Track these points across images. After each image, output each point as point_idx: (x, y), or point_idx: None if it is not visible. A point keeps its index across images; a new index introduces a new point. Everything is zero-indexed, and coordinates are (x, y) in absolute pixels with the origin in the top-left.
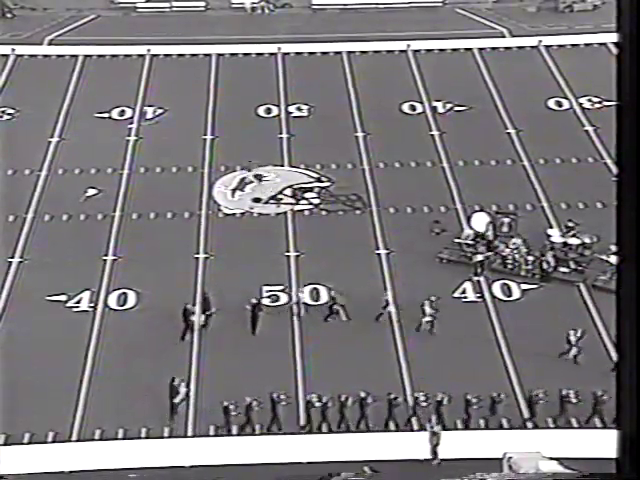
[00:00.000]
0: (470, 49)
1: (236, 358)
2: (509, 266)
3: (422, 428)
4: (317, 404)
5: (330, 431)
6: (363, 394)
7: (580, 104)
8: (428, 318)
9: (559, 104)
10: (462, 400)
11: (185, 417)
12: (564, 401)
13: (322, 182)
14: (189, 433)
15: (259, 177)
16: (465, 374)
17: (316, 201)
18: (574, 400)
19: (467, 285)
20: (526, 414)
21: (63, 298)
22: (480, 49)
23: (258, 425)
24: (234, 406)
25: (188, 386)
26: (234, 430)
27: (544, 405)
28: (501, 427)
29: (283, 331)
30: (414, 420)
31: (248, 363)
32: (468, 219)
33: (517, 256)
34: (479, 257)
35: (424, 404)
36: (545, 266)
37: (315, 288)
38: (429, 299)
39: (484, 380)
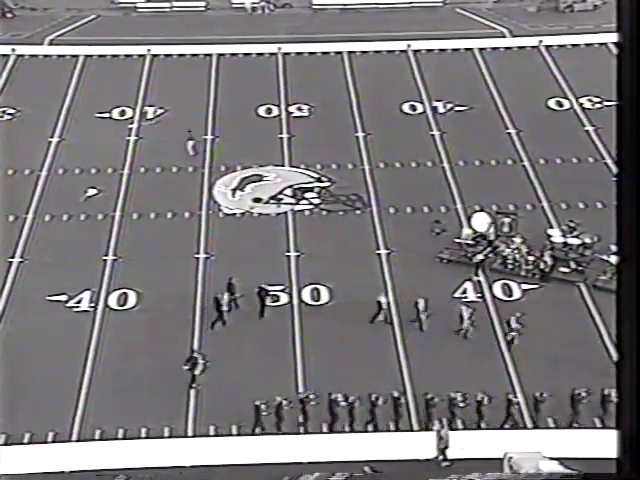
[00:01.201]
0: (470, 49)
1: (239, 358)
2: (509, 266)
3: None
4: (342, 403)
5: (330, 431)
6: (396, 394)
7: (580, 104)
8: (514, 333)
9: (559, 104)
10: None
11: (185, 417)
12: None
13: (322, 182)
14: (189, 433)
15: (192, 138)
16: (465, 374)
17: (316, 201)
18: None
19: (467, 285)
20: (527, 414)
21: (63, 298)
22: (480, 49)
23: (259, 425)
24: (265, 406)
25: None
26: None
27: (548, 405)
28: (502, 427)
29: (284, 331)
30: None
31: (251, 363)
32: (468, 219)
33: (517, 256)
34: (479, 257)
35: (462, 404)
36: (542, 266)
37: (315, 288)
38: (515, 315)
39: (484, 380)
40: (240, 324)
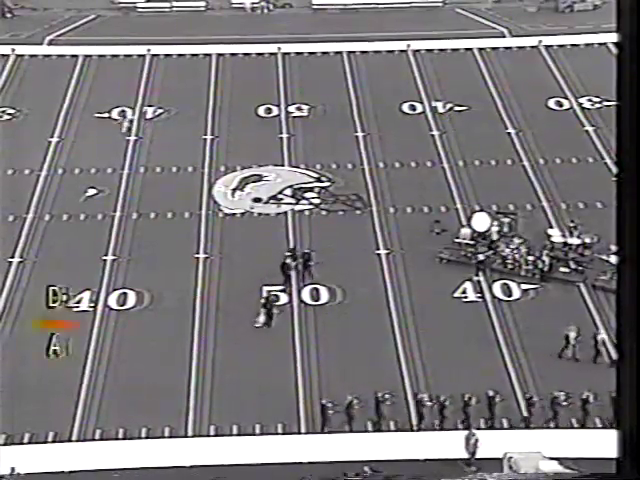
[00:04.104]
0: (470, 49)
1: (240, 359)
2: (509, 266)
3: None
4: (428, 403)
5: (330, 431)
6: (491, 392)
7: (580, 104)
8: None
9: (559, 104)
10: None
11: (185, 417)
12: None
13: (322, 182)
14: (189, 433)
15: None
16: (465, 374)
17: (316, 201)
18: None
19: (467, 285)
20: (526, 413)
21: (63, 298)
22: (480, 49)
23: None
24: (332, 404)
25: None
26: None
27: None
28: (501, 427)
29: (284, 331)
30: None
31: (251, 363)
32: (468, 219)
33: (517, 256)
34: (480, 257)
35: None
36: (540, 265)
37: (315, 288)
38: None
39: (484, 380)
40: (238, 324)
